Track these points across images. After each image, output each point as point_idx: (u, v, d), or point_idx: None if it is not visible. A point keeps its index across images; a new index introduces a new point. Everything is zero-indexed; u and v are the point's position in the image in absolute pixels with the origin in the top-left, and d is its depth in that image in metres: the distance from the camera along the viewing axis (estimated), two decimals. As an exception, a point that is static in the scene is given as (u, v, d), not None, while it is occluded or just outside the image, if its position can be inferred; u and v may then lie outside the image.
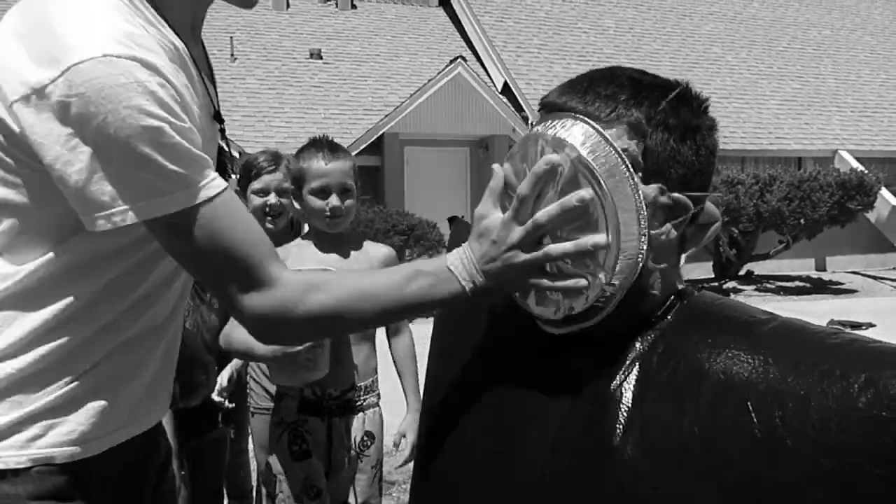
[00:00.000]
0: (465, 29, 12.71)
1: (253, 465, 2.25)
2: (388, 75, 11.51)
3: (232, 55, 11.08)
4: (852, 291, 9.15)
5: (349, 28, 12.58)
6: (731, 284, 9.36)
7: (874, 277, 10.27)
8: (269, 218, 2.02)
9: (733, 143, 11.03)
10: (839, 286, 9.63)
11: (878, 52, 14.45)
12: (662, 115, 0.66)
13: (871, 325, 6.37)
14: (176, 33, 0.78)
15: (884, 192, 9.91)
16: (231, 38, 11.26)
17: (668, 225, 0.66)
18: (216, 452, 1.97)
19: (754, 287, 9.38)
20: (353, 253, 1.74)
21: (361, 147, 9.37)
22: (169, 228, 0.72)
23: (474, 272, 0.70)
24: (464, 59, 9.94)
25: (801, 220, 8.64)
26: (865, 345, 0.56)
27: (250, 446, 2.29)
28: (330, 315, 0.74)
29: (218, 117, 0.90)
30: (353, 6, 13.14)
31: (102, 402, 0.83)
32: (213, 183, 0.74)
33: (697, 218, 0.70)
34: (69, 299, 0.79)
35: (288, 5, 12.69)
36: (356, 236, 1.83)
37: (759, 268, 10.15)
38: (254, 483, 2.31)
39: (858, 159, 10.90)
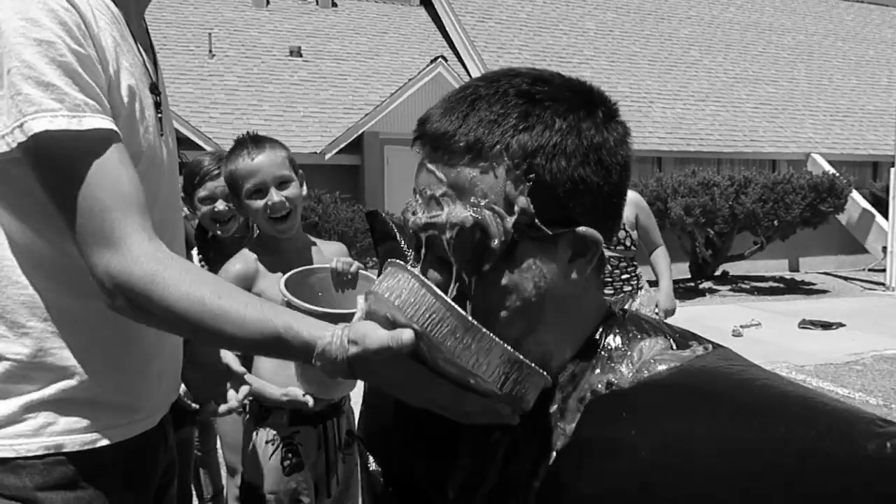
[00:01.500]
0: (447, 29, 12.72)
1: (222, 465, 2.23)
2: (368, 74, 11.47)
3: (210, 51, 10.96)
4: (824, 292, 9.34)
5: (329, 26, 12.51)
6: (706, 284, 9.50)
7: (845, 278, 10.50)
8: (218, 225, 1.94)
9: (709, 145, 11.19)
10: (811, 286, 9.83)
11: (849, 57, 14.76)
12: (559, 138, 0.59)
13: (840, 325, 6.51)
14: (115, 4, 0.81)
15: (854, 194, 10.13)
16: (209, 34, 11.13)
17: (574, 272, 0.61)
18: (182, 452, 1.95)
19: (729, 287, 9.53)
20: (308, 257, 1.60)
21: (341, 146, 9.33)
22: (44, 154, 0.70)
23: (343, 367, 0.64)
24: (444, 58, 9.95)
25: (775, 222, 8.79)
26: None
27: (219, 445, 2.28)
28: (171, 316, 0.70)
29: (154, 89, 0.90)
30: (334, 4, 13.07)
31: (112, 393, 0.82)
32: (101, 121, 0.72)
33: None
34: (31, 247, 0.77)
35: (268, 2, 12.58)
36: (305, 239, 1.69)
37: (734, 268, 10.31)
38: (223, 484, 2.30)
39: (830, 162, 11.13)
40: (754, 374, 0.57)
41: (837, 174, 9.28)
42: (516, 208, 0.59)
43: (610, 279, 2.89)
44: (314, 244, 1.68)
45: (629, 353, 0.62)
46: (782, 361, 5.32)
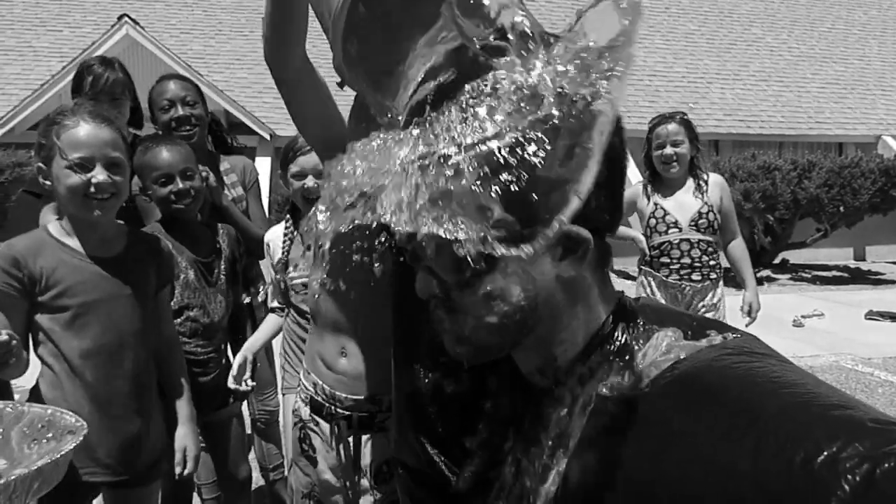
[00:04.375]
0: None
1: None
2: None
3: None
4: (892, 282, 8.87)
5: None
6: (765, 273, 9.15)
7: (916, 268, 9.95)
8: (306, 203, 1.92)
9: (771, 127, 10.72)
10: (879, 276, 9.35)
11: (927, 32, 13.86)
12: (529, 135, 0.56)
13: (911, 317, 6.17)
14: None
15: (929, 179, 9.55)
16: (262, 19, 11.28)
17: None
18: (227, 428, 1.99)
19: (789, 276, 9.16)
20: None
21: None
22: None
23: None
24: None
25: (841, 208, 8.38)
26: None
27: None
28: None
29: None
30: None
31: None
32: None
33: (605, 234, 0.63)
34: None
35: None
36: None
37: (794, 256, 9.89)
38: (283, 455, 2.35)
39: (903, 145, 10.52)
40: (765, 371, 0.54)
41: (911, 157, 8.77)
42: (492, 216, 0.56)
43: (699, 264, 2.75)
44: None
45: (638, 351, 0.61)
46: (847, 353, 5.08)
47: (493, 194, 0.55)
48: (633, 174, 9.36)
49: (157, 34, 9.53)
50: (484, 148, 0.55)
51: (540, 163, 0.54)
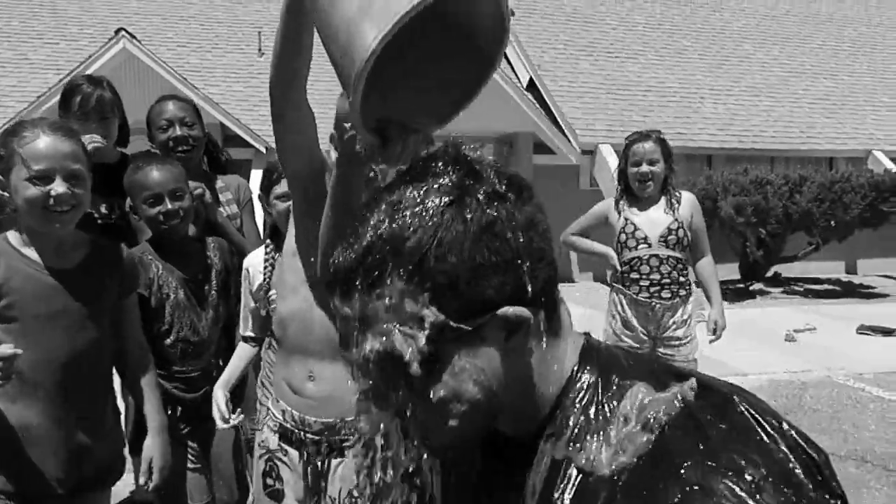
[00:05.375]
0: (491, 24, 12.64)
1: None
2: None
3: (259, 50, 11.18)
4: (884, 296, 8.92)
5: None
6: (757, 286, 9.19)
7: (907, 282, 10.02)
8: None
9: (763, 142, 10.82)
10: (870, 290, 9.40)
11: (916, 49, 14.05)
12: (443, 234, 0.55)
13: (902, 331, 6.21)
14: None
15: (919, 194, 9.64)
16: (259, 32, 11.35)
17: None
18: (220, 446, 2.00)
19: (781, 289, 9.20)
20: None
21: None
22: None
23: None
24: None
25: (832, 222, 8.44)
26: None
27: None
28: None
29: None
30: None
31: None
32: None
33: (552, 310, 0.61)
34: None
35: (315, 0, 12.75)
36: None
37: (786, 270, 9.95)
38: None
39: (894, 160, 10.61)
40: (725, 433, 0.54)
41: (901, 172, 8.86)
42: (425, 322, 0.56)
43: (668, 280, 2.77)
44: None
45: (612, 415, 0.58)
46: (839, 368, 5.10)
47: (421, 299, 0.55)
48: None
49: (153, 48, 9.58)
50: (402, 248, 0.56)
51: (467, 258, 0.55)
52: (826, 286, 9.66)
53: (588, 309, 7.70)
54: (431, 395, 0.58)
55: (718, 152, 10.68)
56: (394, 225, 0.56)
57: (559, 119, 10.31)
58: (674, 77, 11.84)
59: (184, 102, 2.36)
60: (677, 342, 2.80)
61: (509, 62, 11.78)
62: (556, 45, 12.06)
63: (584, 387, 0.61)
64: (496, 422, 0.62)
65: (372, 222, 0.57)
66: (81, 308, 1.43)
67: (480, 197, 0.57)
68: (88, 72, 7.75)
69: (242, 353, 1.90)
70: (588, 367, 0.62)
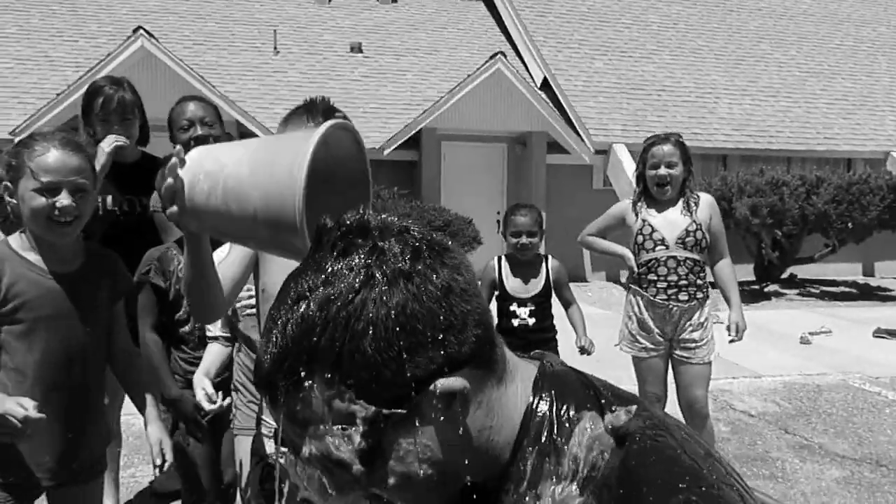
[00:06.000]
0: (505, 23, 12.63)
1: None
2: (427, 70, 11.52)
3: (275, 48, 11.25)
4: (901, 299, 8.82)
5: (389, 21, 12.63)
6: (772, 288, 9.11)
7: (926, 285, 9.88)
8: None
9: (779, 142, 10.72)
10: (887, 292, 9.29)
11: (937, 49, 13.84)
12: (355, 327, 0.53)
13: (920, 335, 6.12)
14: None
15: (939, 196, 9.50)
16: (274, 31, 11.42)
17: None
18: (221, 430, 2.11)
19: (797, 291, 9.12)
20: None
21: (399, 142, 9.41)
22: None
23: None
24: (504, 55, 9.88)
25: (849, 224, 8.35)
26: None
27: None
28: None
29: None
30: (394, 0, 13.18)
31: None
32: None
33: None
34: None
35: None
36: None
37: (802, 271, 9.85)
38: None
39: (913, 162, 10.48)
40: (662, 464, 0.56)
41: (920, 174, 8.74)
42: (356, 417, 0.54)
43: (685, 283, 2.75)
44: None
45: (563, 456, 0.58)
46: (855, 372, 5.05)
47: (348, 396, 0.53)
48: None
49: (170, 45, 9.67)
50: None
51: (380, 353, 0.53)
52: (842, 288, 9.56)
53: (600, 309, 7.69)
54: (385, 484, 0.56)
55: (734, 153, 10.60)
56: (303, 322, 0.54)
57: (573, 119, 10.28)
58: (689, 77, 11.76)
59: (204, 103, 2.42)
60: (694, 345, 2.79)
61: (523, 61, 11.77)
62: (570, 45, 12.01)
63: (540, 421, 0.60)
64: (460, 484, 0.60)
65: (280, 322, 0.55)
66: (79, 310, 1.54)
67: (388, 276, 0.54)
68: (107, 70, 7.84)
69: (216, 350, 1.95)
70: (543, 397, 0.61)
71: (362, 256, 0.55)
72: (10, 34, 10.50)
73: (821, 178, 8.52)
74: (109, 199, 2.41)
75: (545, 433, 0.59)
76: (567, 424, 0.59)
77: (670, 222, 2.78)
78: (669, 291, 2.76)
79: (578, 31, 12.41)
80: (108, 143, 2.27)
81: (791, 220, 8.33)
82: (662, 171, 2.75)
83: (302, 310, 0.54)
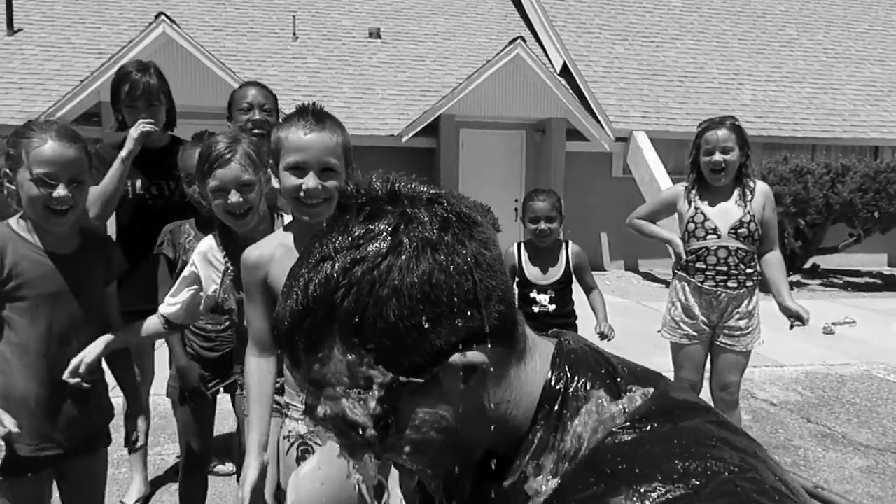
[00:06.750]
0: (525, 7, 12.49)
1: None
2: (445, 55, 11.46)
3: (294, 34, 11.25)
4: (928, 290, 8.65)
5: (408, 7, 12.56)
6: (795, 278, 8.98)
7: (953, 276, 9.67)
8: (234, 219, 1.70)
9: (804, 130, 10.52)
10: (913, 284, 9.12)
11: (970, 34, 13.44)
12: (380, 291, 0.53)
13: (947, 326, 6.01)
14: None
15: (969, 185, 9.27)
16: (293, 16, 11.42)
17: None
18: (213, 405, 2.32)
19: (820, 282, 8.98)
20: None
21: (418, 129, 9.39)
22: None
23: None
24: (523, 39, 9.78)
25: (875, 213, 8.19)
26: None
27: None
28: None
29: None
30: (413, -15, 13.10)
31: None
32: None
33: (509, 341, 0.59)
34: None
35: (349, -15, 12.76)
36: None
37: (825, 261, 9.70)
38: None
39: (942, 149, 10.23)
40: (674, 445, 0.53)
41: (950, 162, 8.52)
42: (374, 383, 0.54)
43: (735, 272, 2.69)
44: None
45: (567, 433, 0.57)
46: (879, 363, 4.98)
47: (367, 360, 0.53)
48: (663, 177, 9.23)
49: (190, 31, 9.71)
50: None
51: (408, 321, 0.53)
52: (867, 279, 9.40)
53: (618, 297, 7.64)
54: (400, 448, 0.57)
55: (757, 140, 10.41)
56: (326, 283, 0.53)
57: (593, 105, 10.16)
58: (712, 62, 11.56)
59: (266, 91, 2.56)
60: (739, 332, 2.73)
61: (542, 47, 11.64)
62: (590, 30, 11.86)
63: (553, 396, 0.59)
64: (476, 453, 0.61)
65: (302, 281, 0.55)
66: (77, 288, 1.62)
67: (416, 243, 0.53)
68: (129, 56, 7.90)
69: (151, 325, 1.76)
70: (559, 374, 0.60)
71: (391, 222, 0.54)
72: (35, 21, 10.63)
73: (846, 167, 8.36)
74: (139, 183, 2.44)
75: (556, 408, 0.59)
76: (575, 402, 0.58)
77: (724, 211, 2.69)
78: (718, 279, 2.69)
79: (599, 15, 12.23)
80: (136, 130, 2.30)
81: (815, 209, 8.19)
82: (717, 157, 2.64)
83: (327, 271, 0.54)
